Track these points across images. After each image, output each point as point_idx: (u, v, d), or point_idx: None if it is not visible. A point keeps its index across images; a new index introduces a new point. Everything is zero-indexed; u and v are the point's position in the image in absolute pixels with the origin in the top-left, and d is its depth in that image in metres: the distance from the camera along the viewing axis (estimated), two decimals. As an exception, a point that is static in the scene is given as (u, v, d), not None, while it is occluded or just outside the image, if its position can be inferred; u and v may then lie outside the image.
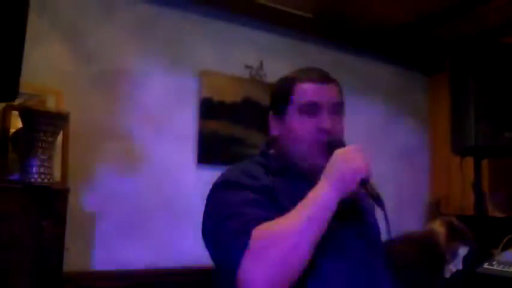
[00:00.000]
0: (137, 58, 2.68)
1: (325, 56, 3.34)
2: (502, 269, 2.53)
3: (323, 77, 1.21)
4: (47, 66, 2.39)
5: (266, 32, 3.11)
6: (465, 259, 2.64)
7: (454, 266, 2.51)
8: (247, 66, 3.00)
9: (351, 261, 1.09)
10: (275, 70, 3.01)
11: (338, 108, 1.19)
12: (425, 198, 3.78)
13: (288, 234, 0.96)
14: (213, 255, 1.08)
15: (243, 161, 1.25)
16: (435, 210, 3.57)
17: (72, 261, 2.17)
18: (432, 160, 3.83)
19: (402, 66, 3.77)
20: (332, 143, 1.11)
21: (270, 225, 0.98)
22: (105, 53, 2.59)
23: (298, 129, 1.15)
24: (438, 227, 2.50)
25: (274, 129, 1.22)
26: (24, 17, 1.68)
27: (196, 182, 2.77)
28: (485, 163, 3.23)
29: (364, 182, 1.02)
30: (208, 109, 2.85)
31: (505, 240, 2.82)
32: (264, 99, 2.96)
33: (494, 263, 2.60)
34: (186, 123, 2.79)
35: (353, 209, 1.17)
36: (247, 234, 0.96)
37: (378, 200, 1.03)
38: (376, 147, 3.56)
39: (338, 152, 1.05)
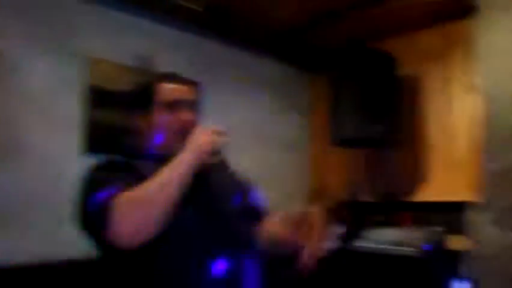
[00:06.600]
0: (19, 40, 2.51)
1: (215, 51, 3.42)
2: (369, 246, 2.90)
3: (183, 79, 1.43)
4: None
5: (158, 23, 3.11)
6: (339, 238, 2.95)
7: (329, 244, 2.78)
8: (137, 57, 2.98)
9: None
10: (167, 61, 3.02)
11: (195, 106, 1.41)
12: (307, 189, 4.05)
13: (148, 192, 1.15)
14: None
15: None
16: (316, 198, 3.85)
17: None
18: (313, 152, 4.11)
19: (287, 64, 3.99)
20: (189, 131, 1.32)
21: (133, 189, 1.16)
22: (-19, 32, 2.41)
23: (164, 123, 1.36)
24: (314, 209, 2.73)
25: (136, 124, 1.43)
26: None
27: (82, 173, 2.68)
28: (361, 154, 3.59)
29: (215, 151, 1.26)
30: (96, 97, 2.77)
31: (373, 222, 3.20)
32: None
33: (364, 240, 2.95)
34: (71, 112, 2.68)
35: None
36: (112, 188, 1.17)
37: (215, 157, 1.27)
38: (262, 140, 3.74)
39: (197, 130, 1.28)
